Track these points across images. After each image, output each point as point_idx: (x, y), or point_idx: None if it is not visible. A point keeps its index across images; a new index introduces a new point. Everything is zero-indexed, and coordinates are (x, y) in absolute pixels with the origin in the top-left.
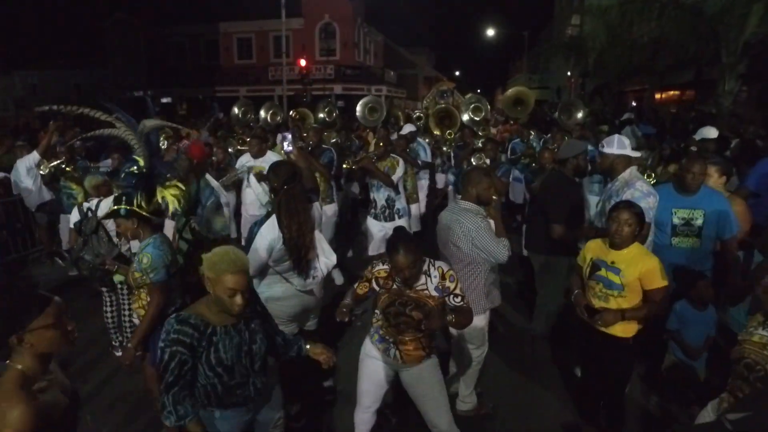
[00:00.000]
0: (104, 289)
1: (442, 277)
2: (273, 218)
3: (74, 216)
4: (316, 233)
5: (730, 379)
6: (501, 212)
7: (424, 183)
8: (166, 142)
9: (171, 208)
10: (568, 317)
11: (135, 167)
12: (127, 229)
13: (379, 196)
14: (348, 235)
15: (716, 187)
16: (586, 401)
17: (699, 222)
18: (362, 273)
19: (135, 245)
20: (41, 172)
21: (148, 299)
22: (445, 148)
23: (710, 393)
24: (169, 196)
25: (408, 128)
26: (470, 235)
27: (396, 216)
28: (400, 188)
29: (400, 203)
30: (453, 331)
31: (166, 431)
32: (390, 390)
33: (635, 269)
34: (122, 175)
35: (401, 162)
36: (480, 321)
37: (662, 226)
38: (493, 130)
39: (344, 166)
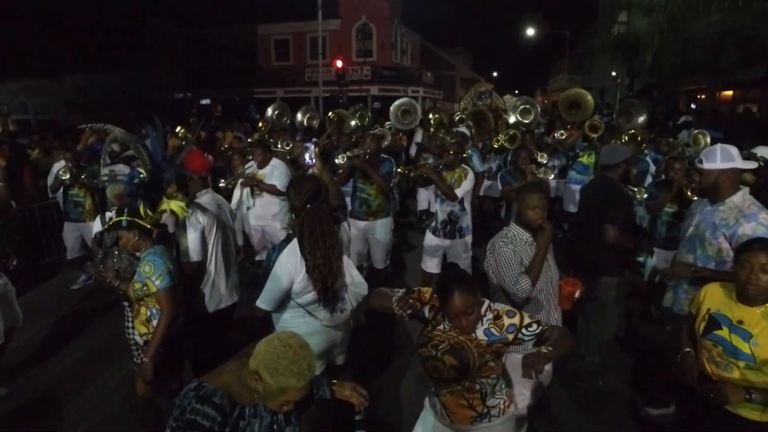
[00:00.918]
0: (125, 304)
1: (497, 317)
2: (294, 243)
3: (96, 225)
4: (344, 259)
5: None
6: (550, 240)
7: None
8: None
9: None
10: (627, 343)
11: (138, 177)
12: (128, 241)
13: (442, 209)
14: (404, 245)
15: None
16: None
17: None
18: (414, 287)
19: None
20: (62, 176)
21: (149, 312)
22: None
23: None
24: (176, 207)
25: (462, 129)
26: (492, 263)
27: (458, 234)
28: (466, 204)
29: (465, 221)
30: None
31: None
32: None
33: None
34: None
35: (470, 174)
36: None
37: None
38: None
39: (398, 170)
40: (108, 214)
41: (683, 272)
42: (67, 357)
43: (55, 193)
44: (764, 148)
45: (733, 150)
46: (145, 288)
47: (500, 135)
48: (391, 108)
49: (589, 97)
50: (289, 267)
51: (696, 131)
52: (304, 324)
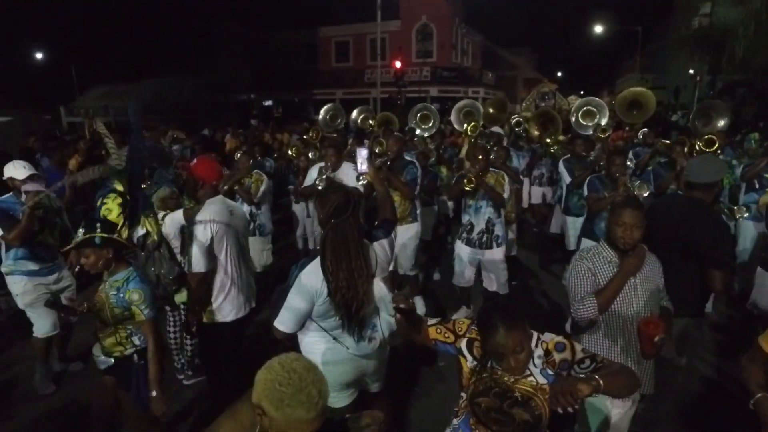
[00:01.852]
0: (167, 309)
1: (547, 352)
2: (318, 260)
3: (141, 229)
4: (376, 283)
5: None
6: (637, 266)
7: (523, 195)
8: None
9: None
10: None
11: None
12: (98, 260)
13: (478, 218)
14: (435, 255)
15: None
16: None
17: None
18: (448, 313)
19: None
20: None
21: (128, 331)
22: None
23: None
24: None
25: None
26: (567, 277)
27: (494, 243)
28: (501, 210)
29: (500, 228)
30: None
31: None
32: None
33: None
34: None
35: (507, 178)
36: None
37: None
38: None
39: (443, 171)
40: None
41: None
42: None
43: None
44: None
45: None
46: (127, 313)
47: (550, 139)
48: (453, 110)
49: (651, 96)
50: (309, 287)
51: None
52: (329, 351)
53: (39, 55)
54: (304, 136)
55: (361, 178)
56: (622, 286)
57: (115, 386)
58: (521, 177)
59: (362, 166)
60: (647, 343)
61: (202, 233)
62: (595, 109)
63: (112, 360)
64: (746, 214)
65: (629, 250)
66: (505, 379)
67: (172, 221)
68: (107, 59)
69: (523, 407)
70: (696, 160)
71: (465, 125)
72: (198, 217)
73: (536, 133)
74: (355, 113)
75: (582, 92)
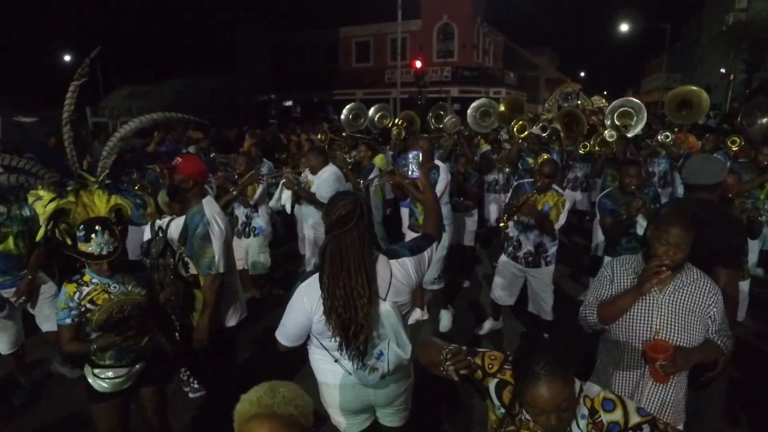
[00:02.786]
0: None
1: (592, 410)
2: (318, 274)
3: (147, 233)
4: (385, 307)
5: None
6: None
7: None
8: None
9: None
10: None
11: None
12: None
13: (527, 237)
14: (467, 262)
15: None
16: None
17: None
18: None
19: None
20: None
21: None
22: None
23: None
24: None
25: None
26: None
27: (543, 261)
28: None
29: (554, 249)
30: None
31: None
32: None
33: None
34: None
35: (567, 203)
36: None
37: None
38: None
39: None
40: (158, 222)
41: None
42: None
43: None
44: None
45: None
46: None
47: (590, 140)
48: (470, 109)
49: (705, 95)
50: (305, 301)
51: None
52: (331, 372)
53: (67, 58)
54: (311, 137)
55: (373, 183)
56: (631, 302)
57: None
58: None
59: (412, 173)
60: (652, 368)
61: (219, 231)
62: (632, 110)
63: (145, 363)
64: None
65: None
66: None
67: (177, 226)
68: (131, 60)
69: None
70: (696, 161)
71: (513, 124)
72: (207, 216)
73: (566, 141)
74: (371, 111)
75: (605, 92)
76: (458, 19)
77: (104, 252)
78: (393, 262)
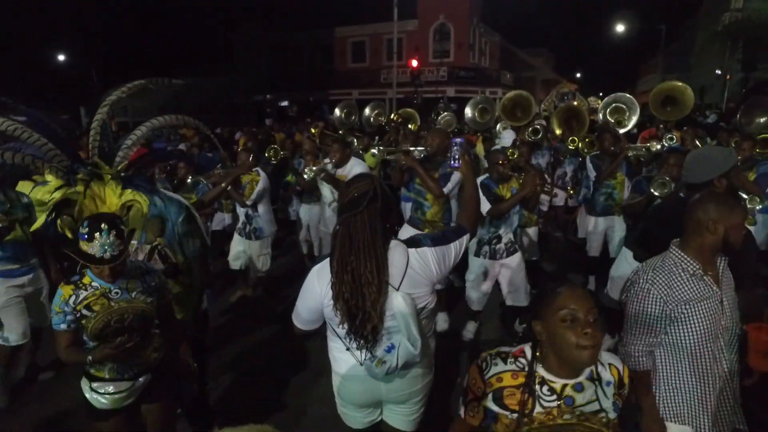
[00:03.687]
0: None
1: (620, 383)
2: (328, 259)
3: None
4: (397, 298)
5: None
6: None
7: (544, 196)
8: None
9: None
10: None
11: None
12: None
13: (508, 227)
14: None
15: None
16: None
17: None
18: (464, 385)
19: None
20: None
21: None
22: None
23: None
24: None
25: (509, 136)
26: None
27: (515, 247)
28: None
29: (514, 234)
30: None
31: None
32: None
33: None
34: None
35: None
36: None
37: None
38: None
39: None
40: None
41: None
42: None
43: None
44: None
45: None
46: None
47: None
48: (467, 106)
49: (689, 91)
50: (316, 284)
51: None
52: (343, 361)
53: (61, 57)
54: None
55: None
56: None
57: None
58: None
59: (455, 161)
60: (758, 354)
61: (200, 221)
62: (624, 106)
63: (150, 376)
64: (759, 205)
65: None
66: (573, 420)
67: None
68: (129, 60)
69: None
70: (691, 157)
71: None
72: (178, 198)
73: (559, 131)
74: (367, 110)
75: (601, 93)
76: (454, 20)
77: (107, 255)
78: (411, 250)
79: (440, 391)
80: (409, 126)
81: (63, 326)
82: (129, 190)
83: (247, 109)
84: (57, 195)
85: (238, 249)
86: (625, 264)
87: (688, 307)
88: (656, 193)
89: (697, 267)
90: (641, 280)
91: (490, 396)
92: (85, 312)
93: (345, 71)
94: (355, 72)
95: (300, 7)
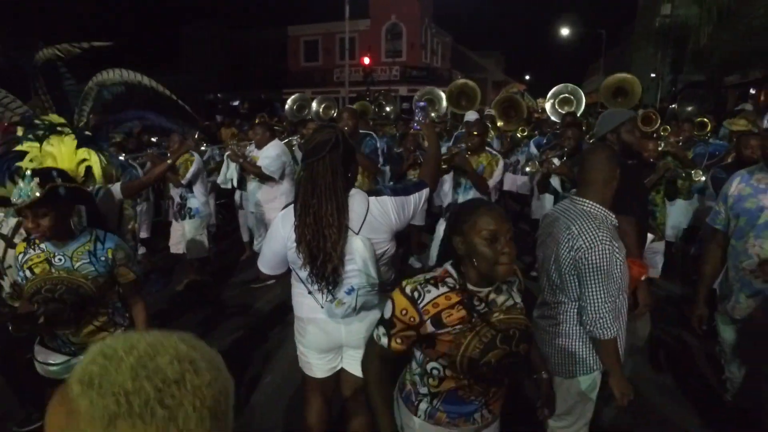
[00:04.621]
0: None
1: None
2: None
3: None
4: (357, 241)
5: None
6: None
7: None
8: None
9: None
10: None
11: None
12: (57, 222)
13: (467, 198)
14: (418, 243)
15: None
16: None
17: None
18: (385, 316)
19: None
20: None
21: (116, 317)
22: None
23: None
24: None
25: (471, 116)
26: (578, 259)
27: None
28: (493, 193)
29: None
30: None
31: None
32: None
33: None
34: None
35: (501, 162)
36: (574, 386)
37: None
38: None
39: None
40: None
41: None
42: None
43: None
44: None
45: None
46: (110, 280)
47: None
48: (415, 97)
49: (637, 82)
50: (281, 228)
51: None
52: (306, 305)
53: None
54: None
55: None
56: None
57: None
58: None
59: (421, 118)
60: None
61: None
62: (571, 96)
63: None
64: (703, 177)
65: None
66: (502, 317)
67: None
68: (73, 58)
69: (526, 339)
70: (600, 116)
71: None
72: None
73: (500, 122)
74: (315, 104)
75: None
76: (406, 19)
77: (18, 200)
78: (372, 198)
79: None
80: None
81: (18, 279)
82: (86, 149)
83: (197, 108)
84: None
85: (178, 233)
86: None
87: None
88: (527, 170)
89: (611, 218)
90: (603, 240)
91: (428, 322)
92: (27, 273)
93: (298, 70)
94: (308, 71)
95: (251, 6)
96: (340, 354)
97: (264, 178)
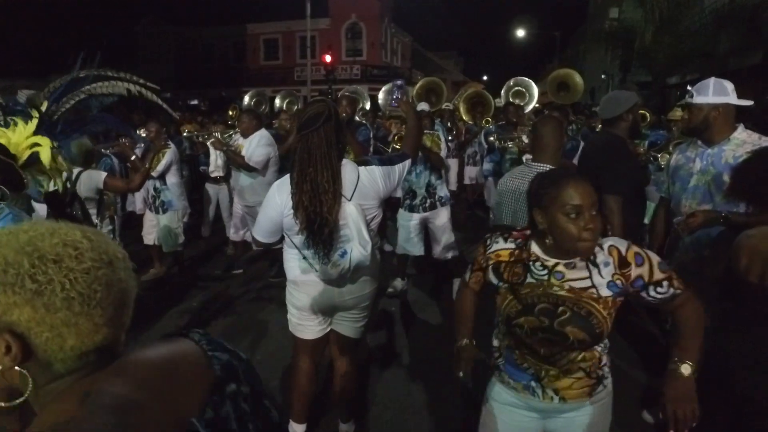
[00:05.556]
0: None
1: (622, 262)
2: (288, 176)
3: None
4: (350, 207)
5: None
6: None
7: (451, 177)
8: None
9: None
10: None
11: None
12: None
13: (419, 183)
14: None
15: None
16: None
17: None
18: (468, 256)
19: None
20: None
21: None
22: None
23: None
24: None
25: (422, 106)
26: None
27: (438, 204)
28: (443, 173)
29: (443, 190)
30: None
31: None
32: None
33: None
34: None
35: (443, 137)
36: None
37: None
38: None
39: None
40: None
41: (710, 220)
42: None
43: None
44: None
45: (729, 85)
46: None
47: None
48: (381, 92)
49: (578, 79)
50: (277, 197)
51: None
52: (301, 270)
53: None
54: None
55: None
56: None
57: None
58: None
59: (397, 95)
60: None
61: None
62: (524, 89)
63: None
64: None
65: None
66: (561, 292)
67: (90, 180)
68: (12, 53)
69: (579, 324)
70: (604, 98)
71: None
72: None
73: (467, 117)
74: (278, 100)
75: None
76: (366, 19)
77: None
78: (361, 168)
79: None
80: None
81: None
82: (41, 136)
83: (152, 106)
84: None
85: (150, 223)
86: None
87: None
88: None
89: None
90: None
91: (490, 268)
92: None
93: (258, 68)
94: (269, 69)
95: (209, 3)
96: (330, 318)
97: (248, 169)
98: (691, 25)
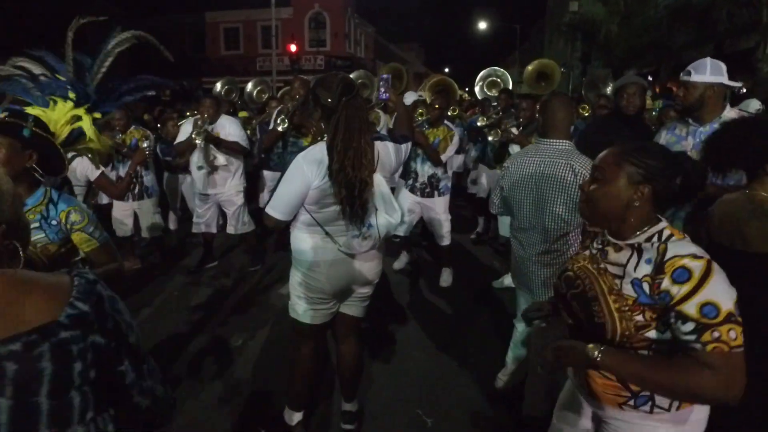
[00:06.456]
0: None
1: (659, 268)
2: (320, 144)
3: None
4: (377, 176)
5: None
6: None
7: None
8: None
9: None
10: None
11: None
12: (10, 162)
13: (423, 169)
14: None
15: None
16: None
17: None
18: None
19: None
20: None
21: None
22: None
23: None
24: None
25: (411, 96)
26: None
27: (436, 193)
28: (448, 166)
29: (446, 182)
30: None
31: None
32: None
33: None
34: None
35: (456, 136)
36: None
37: None
38: None
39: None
40: None
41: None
42: None
43: None
44: (749, 102)
45: (723, 66)
46: (67, 247)
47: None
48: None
49: (557, 67)
50: (306, 168)
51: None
52: (321, 249)
53: None
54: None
55: None
56: None
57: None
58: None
59: (384, 93)
60: None
61: None
62: (498, 80)
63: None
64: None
65: None
66: (582, 263)
67: (83, 168)
68: None
69: (583, 305)
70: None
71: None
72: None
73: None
74: (250, 86)
75: (467, 89)
76: (329, 9)
77: None
78: (378, 142)
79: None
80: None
81: None
82: (81, 109)
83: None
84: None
85: (125, 213)
86: None
87: None
88: (489, 138)
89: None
90: (580, 167)
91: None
92: None
93: (218, 58)
94: (230, 59)
95: None
96: (340, 301)
97: (241, 153)
98: (646, 19)
